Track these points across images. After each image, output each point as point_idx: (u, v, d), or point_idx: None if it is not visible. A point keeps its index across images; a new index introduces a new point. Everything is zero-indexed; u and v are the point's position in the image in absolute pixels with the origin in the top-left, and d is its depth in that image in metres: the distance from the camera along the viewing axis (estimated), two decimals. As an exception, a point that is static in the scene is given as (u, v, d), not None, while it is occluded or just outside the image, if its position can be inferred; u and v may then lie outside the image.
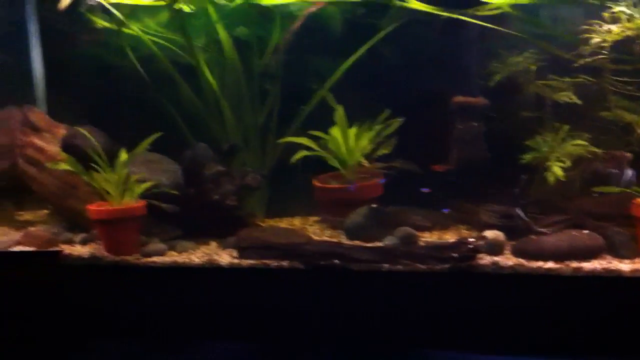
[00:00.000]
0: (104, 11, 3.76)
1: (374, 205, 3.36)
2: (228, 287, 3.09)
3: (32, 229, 3.59)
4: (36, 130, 3.82)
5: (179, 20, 3.68)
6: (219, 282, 3.11)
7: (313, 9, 3.62)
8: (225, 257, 3.18)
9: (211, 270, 3.12)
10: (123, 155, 3.35)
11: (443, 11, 3.40)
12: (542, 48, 3.37)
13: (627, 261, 2.77)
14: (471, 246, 2.87)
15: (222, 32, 3.74)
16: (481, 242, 2.92)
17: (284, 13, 3.74)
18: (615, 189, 2.95)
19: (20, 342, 3.17)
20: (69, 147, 3.56)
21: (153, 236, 3.40)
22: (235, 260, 3.14)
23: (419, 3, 3.43)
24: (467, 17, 3.37)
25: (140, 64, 3.87)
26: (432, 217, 3.43)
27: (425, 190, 3.40)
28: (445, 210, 3.42)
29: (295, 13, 3.72)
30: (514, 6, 3.33)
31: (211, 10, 3.71)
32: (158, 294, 3.14)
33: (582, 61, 3.10)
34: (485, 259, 2.87)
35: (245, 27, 3.84)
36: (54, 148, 3.71)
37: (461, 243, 2.93)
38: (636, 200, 2.84)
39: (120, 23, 3.77)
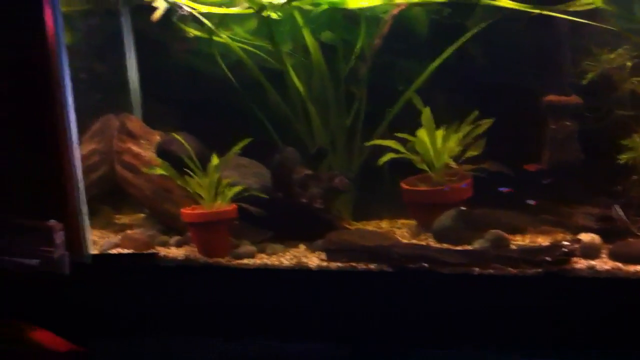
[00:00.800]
0: (195, 20, 3.88)
1: (463, 208, 3.33)
2: (316, 289, 3.12)
3: (129, 231, 3.73)
4: (133, 136, 3.97)
5: (266, 27, 3.76)
6: (307, 284, 3.15)
7: (396, 11, 3.60)
8: (314, 260, 3.22)
9: (300, 272, 3.17)
10: (215, 160, 3.45)
11: (532, 8, 3.33)
12: (637, 44, 3.24)
13: None
14: (565, 249, 2.80)
15: (309, 37, 3.79)
16: (576, 246, 2.84)
17: (369, 16, 3.75)
18: None
19: (121, 338, 3.30)
20: (164, 152, 3.71)
21: (244, 239, 3.48)
22: (324, 263, 3.17)
23: (506, 0, 3.36)
24: (557, 13, 3.28)
25: (230, 70, 3.98)
26: (524, 220, 3.36)
27: (504, 190, 3.33)
28: (531, 202, 3.33)
29: (381, 15, 3.73)
30: (606, 0, 3.22)
31: (297, 16, 3.76)
32: (248, 295, 3.21)
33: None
34: (581, 263, 2.80)
35: (331, 31, 3.87)
36: (149, 154, 3.86)
37: (555, 246, 2.86)
38: None
39: (211, 31, 3.88)
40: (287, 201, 3.52)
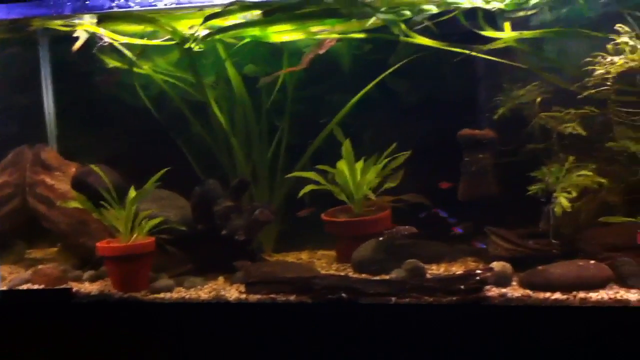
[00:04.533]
0: (117, 52, 3.84)
1: (382, 238, 3.36)
2: (235, 323, 3.08)
3: (41, 266, 3.61)
4: (47, 168, 3.88)
5: (188, 59, 3.75)
6: (225, 318, 3.10)
7: (322, 50, 3.64)
8: (233, 293, 3.17)
9: (218, 305, 3.12)
10: (132, 192, 3.39)
11: (450, 47, 3.43)
12: (547, 80, 3.38)
13: (634, 291, 2.72)
14: (478, 278, 2.85)
15: (231, 70, 3.80)
16: (488, 274, 2.90)
17: (292, 50, 3.80)
18: (622, 219, 2.94)
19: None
20: (80, 184, 3.61)
21: (162, 272, 3.41)
22: (243, 296, 3.13)
23: (424, 39, 3.44)
24: (475, 52, 3.39)
25: (152, 102, 3.94)
26: (441, 250, 3.42)
27: (458, 230, 3.40)
28: (482, 246, 3.36)
29: (303, 50, 3.78)
30: (519, 40, 3.35)
31: (220, 48, 3.78)
32: (165, 330, 3.14)
33: (586, 92, 3.09)
34: (493, 291, 2.85)
35: (254, 65, 3.90)
36: (64, 186, 3.78)
37: (469, 275, 2.92)
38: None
39: (131, 63, 3.84)
40: (208, 233, 3.48)
